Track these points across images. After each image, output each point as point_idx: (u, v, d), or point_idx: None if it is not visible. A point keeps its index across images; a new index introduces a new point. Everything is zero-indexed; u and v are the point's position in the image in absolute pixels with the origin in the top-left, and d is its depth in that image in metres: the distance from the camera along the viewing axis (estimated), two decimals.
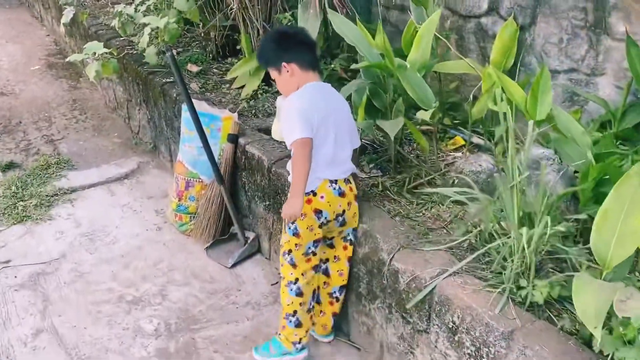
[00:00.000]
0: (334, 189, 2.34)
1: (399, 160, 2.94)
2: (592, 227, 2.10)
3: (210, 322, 2.75)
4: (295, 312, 2.43)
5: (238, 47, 4.19)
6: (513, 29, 2.99)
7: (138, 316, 2.79)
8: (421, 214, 2.53)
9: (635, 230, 1.72)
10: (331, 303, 2.56)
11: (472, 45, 3.36)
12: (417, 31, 2.99)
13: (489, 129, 3.06)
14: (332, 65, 3.56)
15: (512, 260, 1.96)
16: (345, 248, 2.48)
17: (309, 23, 3.31)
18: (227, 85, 3.97)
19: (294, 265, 2.39)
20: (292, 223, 2.32)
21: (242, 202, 3.29)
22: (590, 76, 2.81)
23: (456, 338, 1.94)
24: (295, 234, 2.34)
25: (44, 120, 4.99)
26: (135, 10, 3.86)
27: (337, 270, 2.51)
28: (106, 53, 3.67)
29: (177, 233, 3.43)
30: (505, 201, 1.98)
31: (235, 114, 3.24)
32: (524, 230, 1.87)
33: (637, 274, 1.87)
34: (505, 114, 2.20)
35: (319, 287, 2.56)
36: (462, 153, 3.03)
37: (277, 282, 2.97)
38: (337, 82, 3.62)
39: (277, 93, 3.44)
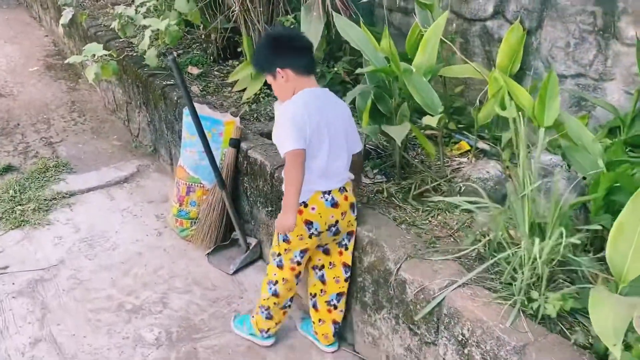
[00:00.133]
0: (326, 200, 2.31)
1: (404, 165, 2.89)
2: (604, 237, 2.08)
3: (212, 331, 2.70)
4: (268, 307, 2.53)
5: (239, 50, 4.14)
6: (519, 33, 2.96)
7: (138, 325, 2.73)
8: (427, 221, 2.48)
9: None
10: (329, 311, 2.51)
11: (477, 49, 3.32)
12: (422, 34, 2.95)
13: (494, 134, 3.02)
14: (335, 69, 3.52)
15: (523, 272, 1.91)
16: (340, 254, 2.45)
17: (312, 25, 3.26)
18: (229, 89, 3.92)
19: (280, 267, 2.45)
20: None
21: (243, 208, 3.24)
22: (598, 81, 2.76)
23: (466, 351, 1.89)
24: (286, 240, 2.36)
25: (43, 123, 4.94)
26: (136, 11, 3.80)
27: (333, 277, 2.47)
28: (106, 55, 3.62)
29: (178, 239, 3.38)
30: (516, 211, 1.93)
31: (238, 118, 3.19)
32: (536, 241, 1.82)
33: None
34: (514, 119, 2.16)
35: (316, 295, 2.53)
36: (468, 158, 2.99)
37: None
38: (340, 85, 3.58)
39: None
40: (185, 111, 3.18)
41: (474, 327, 1.85)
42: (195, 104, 3.00)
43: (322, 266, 2.50)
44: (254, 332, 2.61)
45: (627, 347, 1.59)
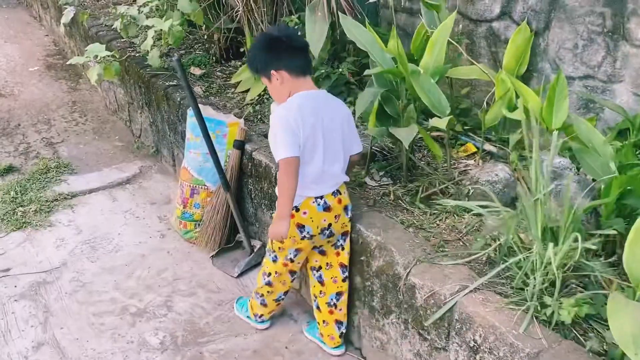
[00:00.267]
0: (318, 204, 2.31)
1: (410, 168, 2.87)
2: (615, 241, 2.06)
3: (217, 335, 2.67)
4: (262, 294, 2.61)
5: (242, 50, 4.11)
6: (527, 34, 2.93)
7: (143, 329, 2.70)
8: (435, 224, 2.45)
9: None
10: (330, 312, 2.50)
11: (483, 50, 3.29)
12: (428, 35, 2.92)
13: (501, 136, 3.00)
14: (340, 70, 3.49)
15: (535, 277, 1.89)
16: (337, 254, 2.45)
17: (317, 26, 3.23)
18: (232, 90, 3.89)
19: (274, 262, 2.50)
20: None
21: (248, 210, 3.21)
22: (606, 83, 2.74)
23: (477, 357, 1.87)
24: (285, 237, 2.36)
25: (43, 123, 4.90)
26: (139, 11, 3.77)
27: (331, 278, 2.47)
28: (108, 56, 3.59)
29: (181, 241, 3.35)
30: (529, 214, 1.91)
31: (242, 120, 3.16)
32: (550, 246, 1.80)
33: None
34: (526, 122, 2.14)
35: (317, 296, 2.53)
36: (474, 161, 2.96)
37: None
38: (345, 86, 3.55)
39: None
40: (189, 112, 3.16)
41: (486, 333, 1.82)
42: (199, 105, 2.98)
43: (320, 267, 2.50)
44: (250, 315, 2.72)
45: None
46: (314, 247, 2.46)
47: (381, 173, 2.91)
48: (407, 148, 2.58)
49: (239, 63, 4.13)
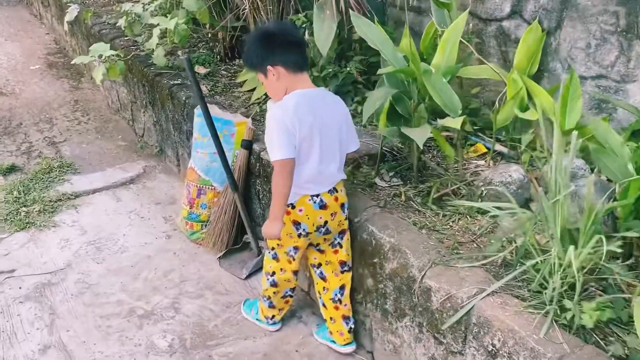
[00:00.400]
0: (314, 202, 2.30)
1: (420, 168, 2.83)
2: (634, 244, 2.02)
3: (226, 337, 2.63)
4: (269, 296, 2.58)
5: None
6: (538, 33, 2.90)
7: (150, 331, 2.66)
8: (448, 226, 2.42)
9: None
10: (336, 308, 2.49)
11: (493, 50, 3.26)
12: (438, 34, 2.89)
13: (512, 136, 2.97)
14: (348, 69, 3.45)
15: (554, 280, 1.86)
16: (335, 252, 2.46)
17: (325, 24, 3.20)
18: (237, 89, 3.86)
19: (275, 259, 2.49)
20: None
21: (255, 211, 3.17)
22: (620, 83, 2.71)
23: None
24: (278, 238, 2.37)
25: (45, 122, 4.86)
26: (144, 9, 3.73)
27: (332, 271, 2.48)
28: (113, 55, 3.55)
29: (187, 241, 3.31)
30: (548, 216, 1.87)
31: (249, 119, 3.13)
32: (571, 248, 1.77)
33: None
34: (542, 122, 2.11)
35: (321, 293, 2.53)
36: (485, 161, 2.93)
37: None
38: (352, 85, 3.52)
39: None
40: (197, 112, 3.12)
41: (505, 338, 1.79)
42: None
43: (320, 264, 2.50)
44: (260, 317, 2.69)
45: None
46: (311, 245, 2.47)
47: (391, 173, 2.87)
48: (420, 148, 2.55)
49: None
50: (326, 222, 2.34)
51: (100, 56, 3.51)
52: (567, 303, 1.81)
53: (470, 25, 3.31)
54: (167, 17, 3.71)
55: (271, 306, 2.62)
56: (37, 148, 4.42)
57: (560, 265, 1.85)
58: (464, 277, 2.02)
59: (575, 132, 1.95)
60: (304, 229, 2.34)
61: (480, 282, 1.98)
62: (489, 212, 2.32)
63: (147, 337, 2.63)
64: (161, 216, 3.57)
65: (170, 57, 4.11)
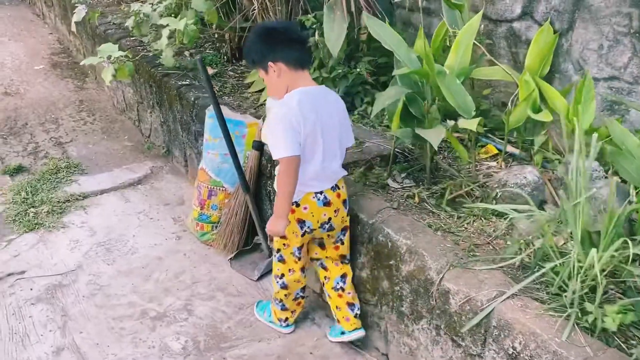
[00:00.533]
0: (319, 199, 2.32)
1: (432, 169, 2.83)
2: None
3: (240, 340, 2.63)
4: (281, 299, 2.59)
5: None
6: (550, 35, 2.89)
7: (164, 333, 2.65)
8: (464, 228, 2.42)
9: None
10: (340, 295, 2.52)
11: (503, 51, 3.26)
12: (448, 35, 2.89)
13: (524, 137, 2.96)
14: (358, 70, 3.45)
15: (574, 283, 1.85)
16: (336, 248, 2.49)
17: (335, 25, 3.19)
18: (246, 89, 3.85)
19: (282, 262, 2.50)
20: None
21: (266, 212, 3.17)
22: (633, 84, 2.71)
23: None
24: (282, 235, 2.39)
25: (51, 122, 4.85)
26: (152, 9, 3.72)
27: (333, 262, 2.53)
28: (122, 56, 3.54)
29: (198, 243, 3.31)
30: (569, 219, 1.87)
31: (261, 120, 3.12)
32: (593, 251, 1.76)
33: None
34: (559, 122, 2.10)
35: (323, 284, 2.57)
36: (497, 163, 2.93)
37: None
38: (360, 86, 3.52)
39: None
40: (209, 113, 3.11)
41: (527, 341, 1.79)
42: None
43: (320, 258, 2.56)
44: (273, 320, 2.68)
45: None
46: (314, 239, 2.50)
47: (403, 175, 2.87)
48: (435, 149, 2.54)
49: None
50: (330, 218, 2.37)
51: (109, 57, 3.50)
52: (588, 306, 1.81)
53: (481, 26, 3.31)
54: (173, 16, 3.70)
55: (284, 309, 2.62)
56: (44, 148, 4.41)
57: (581, 267, 1.85)
58: (482, 279, 2.02)
59: (595, 135, 1.94)
60: (308, 227, 2.36)
61: (499, 285, 1.97)
62: (503, 214, 2.33)
63: (161, 339, 2.62)
64: (170, 217, 3.56)
65: (178, 58, 4.10)
